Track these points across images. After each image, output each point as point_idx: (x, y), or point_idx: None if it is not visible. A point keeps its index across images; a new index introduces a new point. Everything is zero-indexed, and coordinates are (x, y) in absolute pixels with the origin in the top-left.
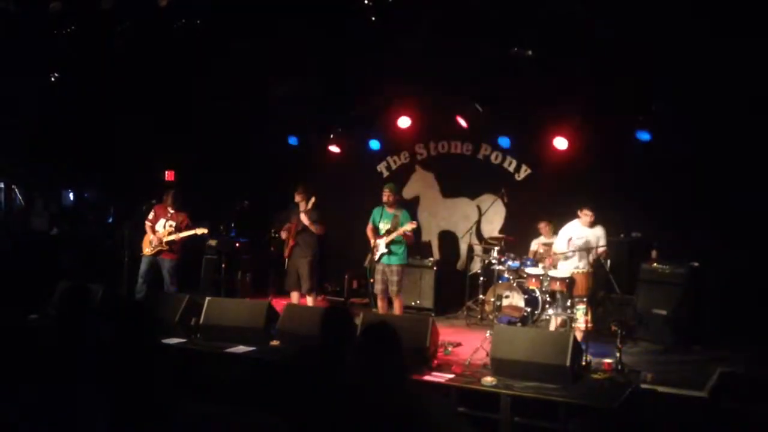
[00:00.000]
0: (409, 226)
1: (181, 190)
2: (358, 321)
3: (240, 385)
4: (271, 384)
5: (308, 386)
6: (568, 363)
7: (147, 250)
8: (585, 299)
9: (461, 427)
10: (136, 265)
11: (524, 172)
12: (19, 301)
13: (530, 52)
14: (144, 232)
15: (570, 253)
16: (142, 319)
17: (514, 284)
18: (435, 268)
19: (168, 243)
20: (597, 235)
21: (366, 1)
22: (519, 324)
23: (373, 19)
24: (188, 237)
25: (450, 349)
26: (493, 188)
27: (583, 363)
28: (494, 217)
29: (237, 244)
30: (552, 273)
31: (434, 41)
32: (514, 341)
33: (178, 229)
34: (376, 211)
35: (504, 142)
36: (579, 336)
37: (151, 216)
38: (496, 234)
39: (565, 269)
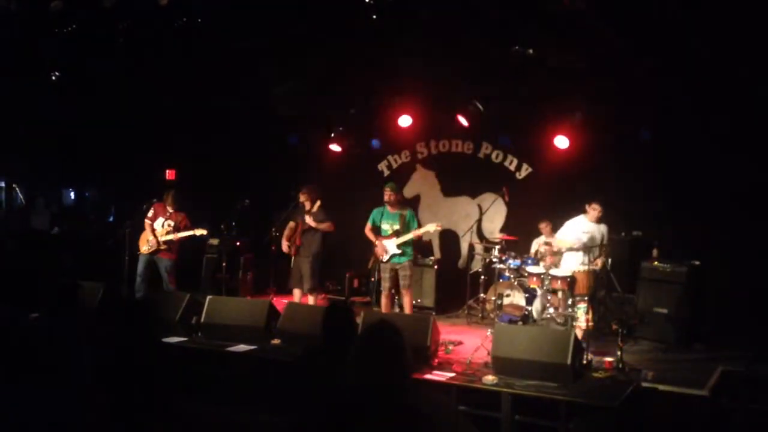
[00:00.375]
0: (432, 228)
1: (181, 189)
2: (359, 320)
3: (241, 383)
4: (273, 383)
5: (312, 386)
6: (569, 361)
7: (144, 248)
8: (586, 298)
9: (463, 426)
10: (137, 264)
11: (525, 170)
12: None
13: (531, 51)
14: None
15: (576, 246)
16: (142, 318)
17: (515, 283)
18: (436, 266)
19: (165, 242)
20: (602, 232)
21: (367, 0)
22: (520, 323)
23: (374, 17)
24: (186, 237)
25: (451, 347)
26: (494, 187)
27: (584, 361)
28: (495, 215)
29: (238, 243)
30: (553, 272)
31: (435, 39)
32: (515, 340)
33: (176, 229)
34: (377, 212)
35: (505, 140)
36: (580, 334)
37: (150, 214)
38: (497, 233)
39: (569, 264)
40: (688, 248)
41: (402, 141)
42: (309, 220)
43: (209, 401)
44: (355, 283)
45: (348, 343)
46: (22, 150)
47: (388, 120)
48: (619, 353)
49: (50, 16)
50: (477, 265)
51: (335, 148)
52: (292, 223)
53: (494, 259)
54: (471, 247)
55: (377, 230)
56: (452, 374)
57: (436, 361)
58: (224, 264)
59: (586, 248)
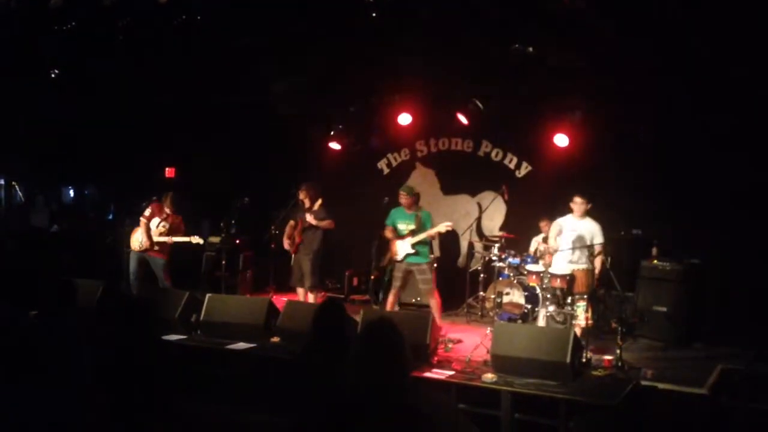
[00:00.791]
0: (443, 228)
1: (180, 188)
2: (358, 318)
3: (240, 382)
4: (273, 381)
5: (309, 385)
6: (568, 360)
7: (135, 245)
8: (585, 296)
9: (462, 424)
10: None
11: (525, 169)
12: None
13: (531, 49)
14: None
15: (564, 247)
16: (143, 317)
17: (515, 281)
18: (435, 265)
19: (158, 243)
20: (590, 230)
21: None
22: (519, 321)
23: (374, 15)
24: (180, 242)
25: (450, 345)
26: (493, 185)
27: (584, 360)
28: (495, 214)
29: (237, 241)
30: (552, 270)
31: (435, 38)
32: (515, 338)
33: (170, 231)
34: (394, 212)
35: (505, 139)
36: (579, 333)
37: (147, 212)
38: (496, 231)
39: (558, 263)
40: (688, 247)
41: (402, 139)
42: (310, 218)
43: (209, 400)
44: (355, 281)
45: (342, 341)
46: (21, 148)
47: (388, 118)
48: (618, 352)
49: (50, 14)
50: (476, 264)
51: (335, 146)
52: (292, 222)
53: (494, 258)
54: (470, 246)
55: (396, 230)
56: (452, 372)
57: (436, 359)
58: (224, 262)
59: (575, 247)
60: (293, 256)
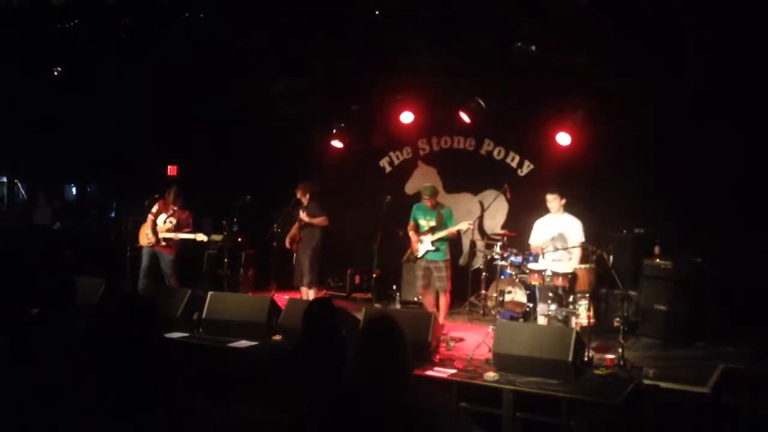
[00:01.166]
0: (465, 226)
1: (183, 185)
2: (360, 316)
3: (242, 379)
4: (275, 379)
5: (301, 382)
6: (570, 358)
7: (144, 241)
8: (587, 295)
9: (464, 423)
10: (138, 259)
11: (527, 167)
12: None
13: (533, 48)
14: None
15: (546, 246)
16: (147, 316)
17: (517, 280)
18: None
19: (165, 239)
20: (571, 226)
21: None
22: (521, 319)
23: (377, 13)
24: (186, 239)
25: (452, 344)
26: (495, 184)
27: (586, 359)
28: (497, 212)
29: (239, 239)
30: (554, 269)
31: (437, 36)
32: (517, 337)
33: (177, 228)
34: (416, 208)
35: (507, 137)
36: (581, 331)
37: (154, 210)
38: (498, 229)
39: (542, 262)
40: (691, 246)
41: (403, 137)
42: (302, 215)
43: (210, 398)
44: (357, 279)
45: (332, 339)
46: (24, 145)
47: (390, 116)
48: (620, 350)
49: (52, 12)
50: (478, 262)
51: (337, 144)
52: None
53: (496, 256)
54: (472, 244)
55: (418, 227)
56: (453, 371)
57: (438, 357)
58: (225, 260)
59: (557, 245)
60: (295, 254)
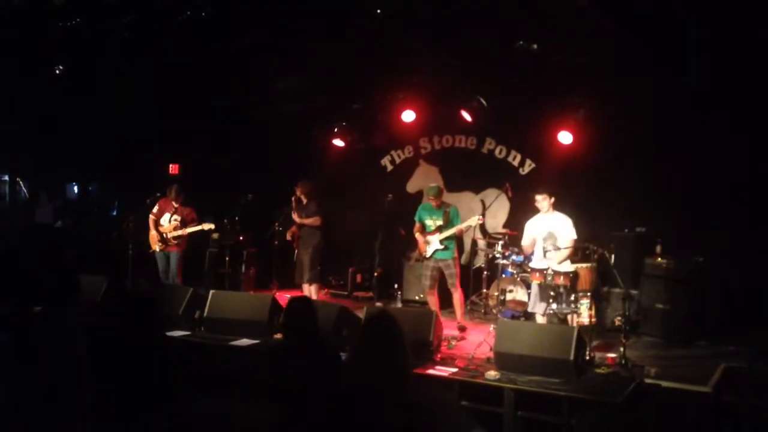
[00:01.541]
0: (475, 221)
1: (182, 184)
2: (361, 315)
3: (243, 378)
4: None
5: (279, 379)
6: (571, 357)
7: (157, 246)
8: (589, 294)
9: (465, 422)
10: (140, 258)
11: (528, 166)
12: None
13: (535, 46)
14: (148, 226)
15: (535, 247)
16: (146, 311)
17: (518, 279)
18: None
19: (175, 238)
20: (561, 224)
21: None
22: (522, 318)
23: (378, 11)
24: (195, 232)
25: (453, 343)
26: (497, 183)
27: (587, 357)
28: (498, 211)
29: (241, 238)
30: (556, 267)
31: (439, 35)
32: (518, 335)
33: (183, 224)
34: (422, 208)
35: (508, 136)
36: (582, 329)
37: (155, 210)
38: (500, 228)
39: (536, 260)
40: (692, 245)
41: (405, 136)
42: (295, 215)
43: (212, 396)
44: (358, 278)
45: (311, 338)
46: (25, 144)
47: (391, 115)
48: (621, 349)
49: (53, 12)
50: (480, 261)
51: (338, 143)
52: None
53: (497, 255)
54: (474, 243)
55: (424, 227)
56: (455, 369)
57: (439, 356)
58: (227, 258)
59: (552, 246)
60: (296, 252)
